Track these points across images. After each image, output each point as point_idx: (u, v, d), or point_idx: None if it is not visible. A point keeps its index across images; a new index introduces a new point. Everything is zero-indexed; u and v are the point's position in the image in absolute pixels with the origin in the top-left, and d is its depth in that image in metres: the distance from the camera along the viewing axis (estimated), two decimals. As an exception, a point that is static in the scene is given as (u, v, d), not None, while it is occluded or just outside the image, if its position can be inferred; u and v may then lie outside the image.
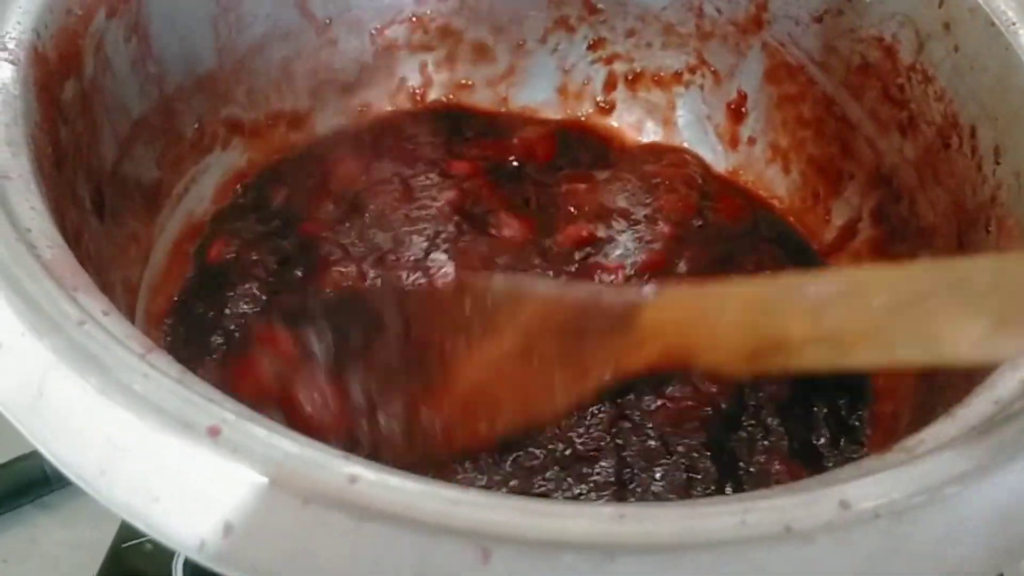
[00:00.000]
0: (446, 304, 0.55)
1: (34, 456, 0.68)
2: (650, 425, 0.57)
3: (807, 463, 0.58)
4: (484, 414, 0.50)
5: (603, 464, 0.55)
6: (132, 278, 0.58)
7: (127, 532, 0.67)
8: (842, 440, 0.59)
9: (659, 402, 0.58)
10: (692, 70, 0.74)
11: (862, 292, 0.40)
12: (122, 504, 0.31)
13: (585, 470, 0.55)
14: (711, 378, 0.58)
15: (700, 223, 0.70)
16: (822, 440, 0.59)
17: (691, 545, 0.30)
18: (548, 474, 0.54)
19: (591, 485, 0.55)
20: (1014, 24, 0.53)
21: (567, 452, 0.55)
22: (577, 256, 0.66)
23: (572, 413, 0.54)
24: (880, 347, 0.39)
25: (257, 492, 0.30)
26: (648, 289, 0.50)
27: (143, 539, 0.66)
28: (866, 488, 0.32)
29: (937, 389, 0.53)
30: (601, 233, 0.68)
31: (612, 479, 0.55)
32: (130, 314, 0.56)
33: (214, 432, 0.31)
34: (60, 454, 0.32)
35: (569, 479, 0.54)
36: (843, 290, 0.41)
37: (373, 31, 0.74)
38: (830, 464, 0.58)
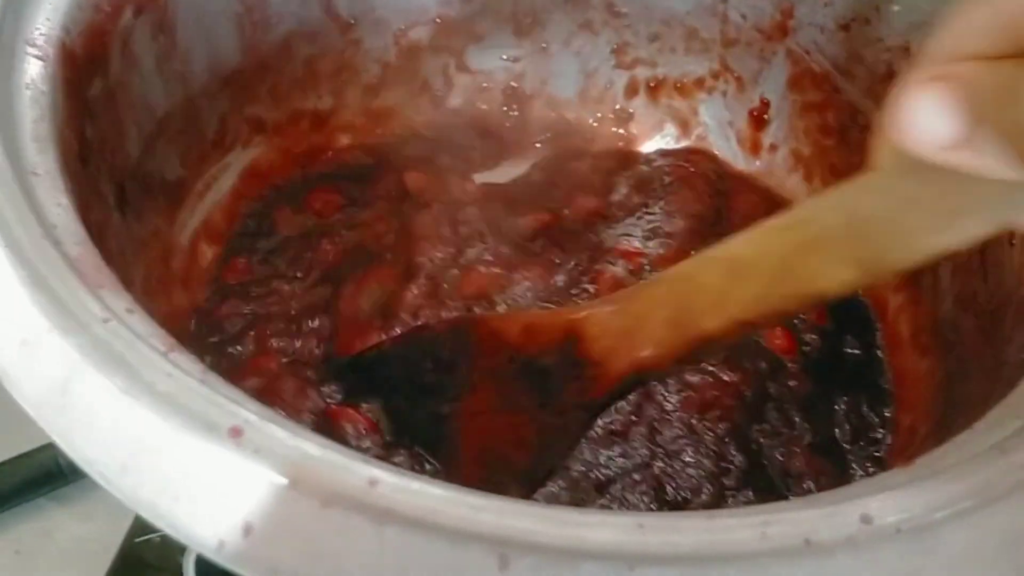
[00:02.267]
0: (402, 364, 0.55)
1: (49, 449, 0.68)
2: (675, 412, 0.59)
3: (830, 459, 0.59)
4: (503, 473, 0.50)
5: (635, 445, 0.57)
6: (152, 276, 0.58)
7: (140, 527, 0.67)
8: (862, 440, 0.60)
9: (683, 394, 0.60)
10: (715, 76, 0.74)
11: (744, 268, 0.42)
12: (143, 503, 0.31)
13: (617, 451, 0.57)
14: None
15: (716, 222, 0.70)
16: (845, 437, 0.60)
17: (711, 557, 0.30)
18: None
19: (625, 468, 0.57)
20: (1040, 35, 0.52)
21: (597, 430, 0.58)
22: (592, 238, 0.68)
23: (578, 442, 0.54)
24: (772, 317, 0.43)
25: (277, 493, 0.30)
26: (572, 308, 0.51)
27: (156, 534, 0.66)
28: (888, 502, 0.32)
29: (956, 404, 0.53)
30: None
31: (645, 462, 0.57)
32: (150, 313, 0.56)
33: (236, 433, 0.31)
34: (83, 452, 0.32)
35: (601, 459, 0.57)
36: (728, 269, 0.43)
37: (397, 32, 0.74)
38: (852, 460, 0.59)
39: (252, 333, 0.61)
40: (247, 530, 0.30)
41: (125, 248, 0.54)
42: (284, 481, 0.30)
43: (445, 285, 0.64)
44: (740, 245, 0.42)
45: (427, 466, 0.54)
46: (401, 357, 0.56)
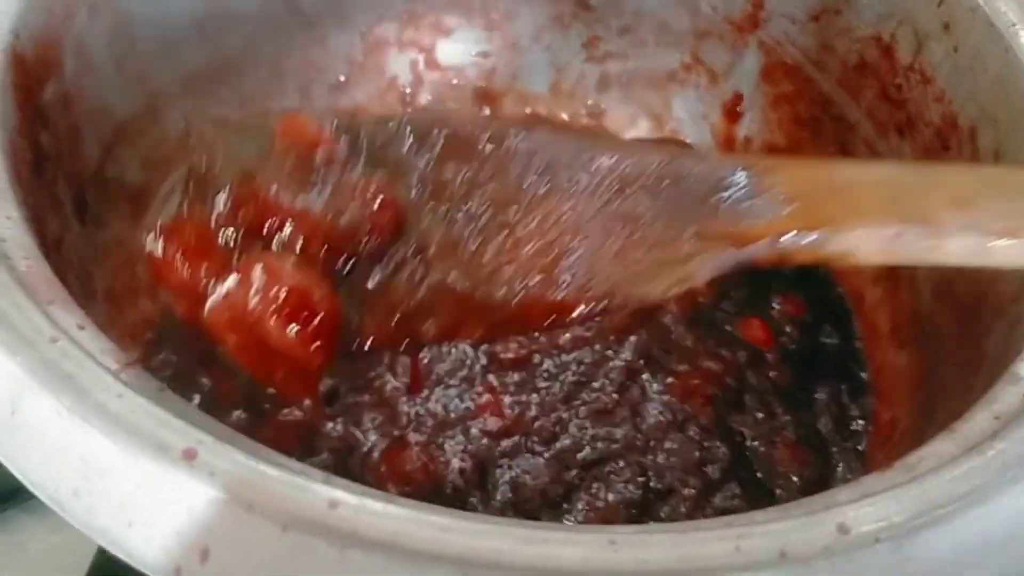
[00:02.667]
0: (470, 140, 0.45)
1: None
2: (660, 397, 0.60)
3: (814, 450, 0.59)
4: (562, 284, 0.40)
5: (622, 430, 0.58)
6: (117, 285, 0.57)
7: (114, 538, 0.66)
8: (844, 432, 0.60)
9: (668, 379, 0.61)
10: (687, 69, 0.73)
11: (1009, 182, 0.38)
12: (96, 528, 0.30)
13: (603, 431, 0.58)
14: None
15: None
16: (827, 427, 0.60)
17: (684, 572, 0.29)
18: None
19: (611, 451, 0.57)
20: (1014, 25, 0.52)
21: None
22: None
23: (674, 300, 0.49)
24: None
25: (235, 517, 0.29)
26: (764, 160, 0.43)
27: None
28: (865, 510, 0.31)
29: (936, 396, 0.53)
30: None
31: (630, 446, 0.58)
32: (111, 324, 0.54)
33: (190, 455, 0.30)
34: (33, 476, 0.31)
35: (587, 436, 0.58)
36: (989, 178, 0.39)
37: (363, 28, 0.72)
38: (836, 452, 0.59)
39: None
40: (204, 555, 0.29)
41: (86, 257, 0.53)
42: (242, 504, 0.29)
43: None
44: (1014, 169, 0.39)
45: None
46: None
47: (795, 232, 0.38)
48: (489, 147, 0.45)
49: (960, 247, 0.37)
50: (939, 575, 0.31)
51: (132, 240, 0.61)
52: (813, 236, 0.38)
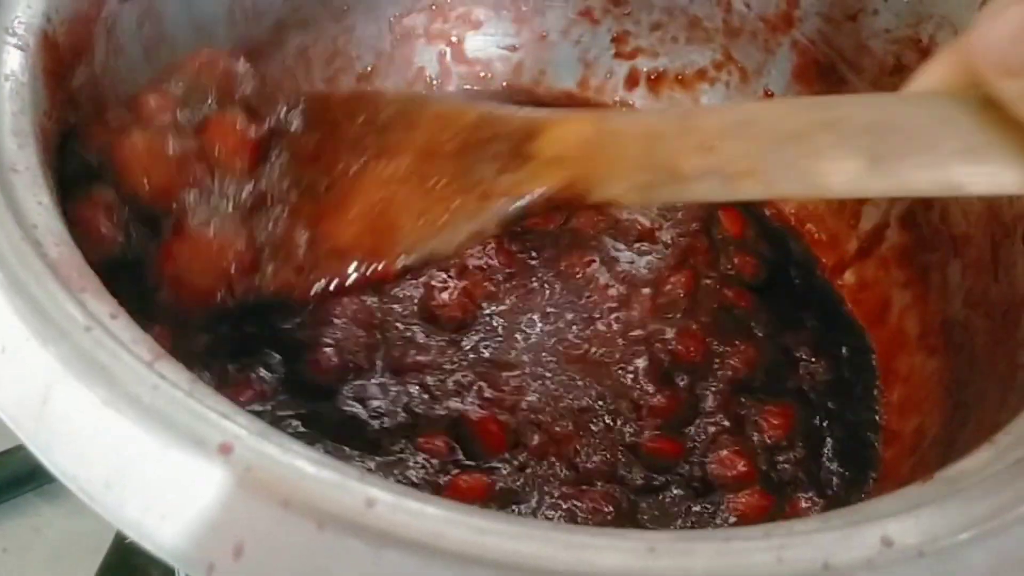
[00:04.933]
0: (338, 115, 0.51)
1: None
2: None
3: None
4: (381, 238, 0.46)
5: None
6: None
7: (131, 524, 0.66)
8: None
9: None
10: (718, 67, 0.73)
11: (749, 126, 0.40)
12: (129, 522, 0.30)
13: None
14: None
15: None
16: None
17: (726, 582, 0.28)
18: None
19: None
20: (1058, 29, 0.51)
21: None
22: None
23: (474, 245, 0.53)
24: (763, 181, 0.39)
25: (270, 514, 0.29)
26: (545, 112, 0.47)
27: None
28: (909, 523, 0.30)
29: (966, 406, 0.52)
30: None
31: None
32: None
33: (226, 449, 0.30)
34: (65, 468, 0.31)
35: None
36: (731, 123, 0.41)
37: (391, 18, 0.72)
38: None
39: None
40: (238, 552, 0.29)
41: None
42: (277, 501, 0.29)
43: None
44: (756, 107, 0.41)
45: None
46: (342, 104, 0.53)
47: (563, 185, 0.43)
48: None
49: (705, 188, 0.40)
50: (984, 591, 0.30)
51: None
52: (578, 189, 0.43)
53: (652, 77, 0.74)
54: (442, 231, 0.46)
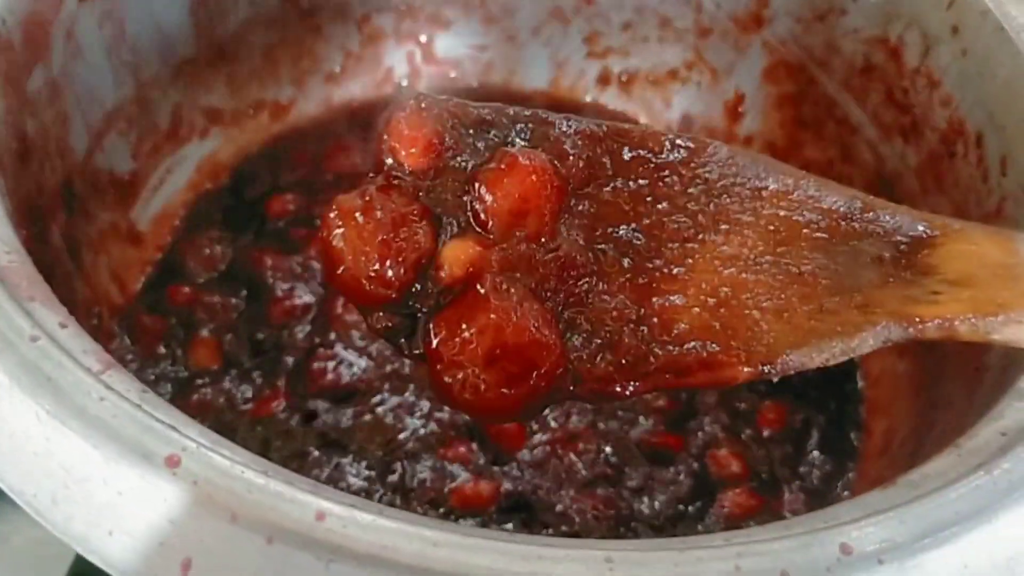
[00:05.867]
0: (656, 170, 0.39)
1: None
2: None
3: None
4: (732, 335, 0.36)
5: None
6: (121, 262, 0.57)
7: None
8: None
9: None
10: (689, 67, 0.72)
11: None
12: (76, 537, 0.29)
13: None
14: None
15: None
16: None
17: (683, 593, 0.28)
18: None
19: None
20: (1025, 29, 0.51)
21: None
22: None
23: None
24: None
25: (218, 528, 0.28)
26: (940, 218, 0.39)
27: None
28: (868, 530, 0.30)
29: (935, 407, 0.52)
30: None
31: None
32: (122, 296, 0.55)
33: (173, 462, 0.29)
34: (11, 483, 0.30)
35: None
36: None
37: (359, 18, 0.71)
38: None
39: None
40: (186, 567, 0.28)
41: (80, 241, 0.53)
42: (225, 514, 0.28)
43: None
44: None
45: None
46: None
47: (967, 317, 0.36)
48: (639, 155, 0.38)
49: None
50: (943, 598, 0.30)
51: (126, 224, 0.60)
52: (985, 322, 0.36)
53: (623, 79, 0.74)
54: (808, 338, 0.36)
